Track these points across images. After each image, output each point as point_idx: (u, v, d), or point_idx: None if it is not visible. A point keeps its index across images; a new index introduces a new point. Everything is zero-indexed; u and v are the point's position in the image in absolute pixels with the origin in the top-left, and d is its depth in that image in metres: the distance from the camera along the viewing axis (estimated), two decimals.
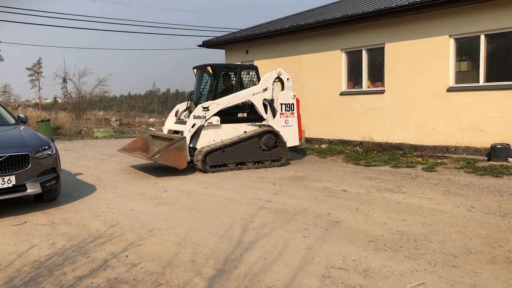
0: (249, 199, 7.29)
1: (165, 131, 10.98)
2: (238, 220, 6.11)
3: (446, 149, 10.94)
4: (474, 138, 10.40)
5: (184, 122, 10.47)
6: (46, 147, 6.98)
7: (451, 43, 10.72)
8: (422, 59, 11.22)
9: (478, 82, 10.37)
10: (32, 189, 6.59)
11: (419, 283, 4.02)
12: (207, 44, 17.72)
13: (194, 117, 10.05)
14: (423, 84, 11.24)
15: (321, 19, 13.03)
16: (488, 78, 10.26)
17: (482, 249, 4.78)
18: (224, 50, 17.61)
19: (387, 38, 11.86)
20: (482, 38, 10.22)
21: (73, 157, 13.22)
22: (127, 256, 4.80)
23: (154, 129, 25.44)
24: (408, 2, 10.74)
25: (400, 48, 11.61)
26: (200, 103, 10.29)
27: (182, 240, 5.30)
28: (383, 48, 12.07)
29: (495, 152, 9.65)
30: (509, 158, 9.61)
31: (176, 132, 10.76)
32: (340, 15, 12.50)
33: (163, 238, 5.41)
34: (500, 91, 9.92)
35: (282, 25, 14.94)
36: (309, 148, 13.47)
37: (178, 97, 77.33)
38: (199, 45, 18.11)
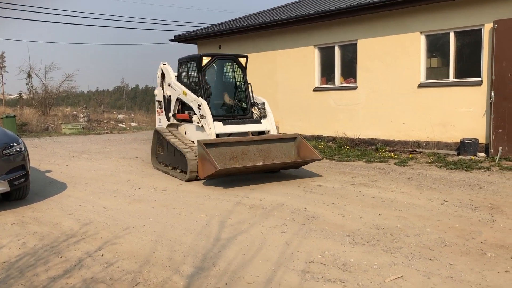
0: (225, 195, 7.23)
1: (212, 136, 8.23)
2: (215, 216, 6.05)
3: (417, 144, 11.15)
4: (444, 133, 10.63)
5: (243, 121, 8.75)
6: (14, 144, 6.73)
7: (422, 40, 10.92)
8: (394, 55, 11.38)
9: (448, 78, 10.60)
10: None
11: (397, 276, 4.06)
12: (179, 39, 17.50)
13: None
14: (395, 80, 11.41)
15: (294, 15, 13.04)
16: (457, 74, 10.51)
17: (456, 242, 4.87)
18: (196, 45, 17.43)
19: (360, 34, 11.98)
20: (452, 35, 10.44)
21: (41, 154, 12.83)
22: (102, 255, 4.67)
23: (124, 125, 24.99)
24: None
25: (373, 44, 11.74)
26: (238, 99, 9.19)
27: (159, 238, 5.20)
28: (355, 44, 12.19)
29: (464, 146, 9.89)
30: (477, 153, 9.87)
31: (241, 134, 8.63)
32: (314, 11, 12.54)
33: (139, 236, 5.30)
34: (468, 87, 10.17)
35: (255, 20, 14.88)
36: None
37: (148, 92, 76.26)
38: (171, 40, 17.85)
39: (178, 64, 9.63)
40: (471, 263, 4.33)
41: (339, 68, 12.85)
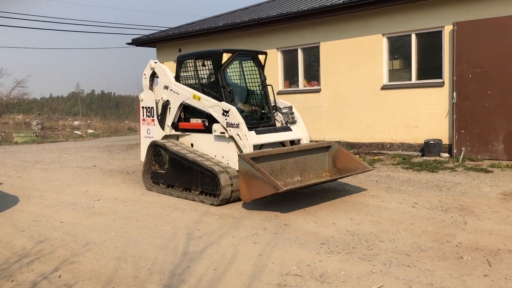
0: (192, 204, 6.90)
1: (250, 149, 6.70)
2: (182, 228, 5.72)
3: (381, 146, 11.18)
4: (408, 134, 10.71)
5: (274, 129, 7.46)
6: None
7: (384, 42, 10.98)
8: (357, 57, 11.39)
9: (411, 80, 10.70)
10: None
11: (378, 286, 3.89)
12: (137, 42, 16.98)
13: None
14: (358, 83, 11.42)
15: (256, 17, 12.87)
16: (419, 76, 10.61)
17: (432, 246, 4.77)
18: (155, 49, 16.96)
19: (323, 37, 11.93)
20: (413, 37, 10.55)
21: None
22: (60, 276, 4.27)
23: (80, 132, 24.08)
24: (343, 1, 10.84)
25: (335, 47, 11.72)
26: (257, 103, 7.73)
27: (122, 254, 4.83)
28: (318, 47, 12.14)
29: (428, 147, 9.98)
30: (441, 153, 9.97)
31: (273, 145, 7.46)
32: (276, 14, 12.41)
33: (100, 253, 4.91)
34: (431, 88, 10.28)
35: (216, 23, 14.61)
36: None
37: (104, 98, 74.33)
38: (128, 43, 17.31)
39: (178, 62, 7.98)
40: (449, 268, 4.23)
41: (302, 71, 12.77)
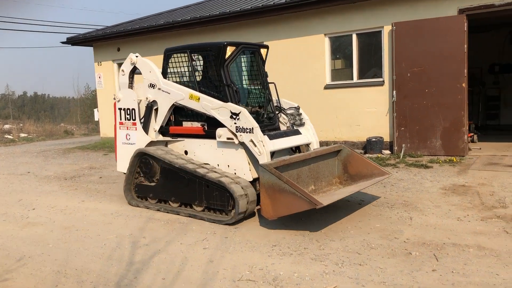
0: (136, 211, 6.59)
1: (267, 157, 5.81)
2: (126, 236, 5.44)
3: (325, 144, 11.31)
4: (351, 132, 10.92)
5: (285, 133, 6.58)
6: None
7: (327, 42, 11.12)
8: (300, 57, 11.46)
9: (352, 79, 10.91)
10: None
11: (332, 287, 3.86)
12: (73, 41, 16.19)
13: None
14: (302, 82, 11.49)
15: (198, 16, 12.63)
16: (360, 75, 10.85)
17: (381, 243, 4.82)
18: (92, 48, 16.25)
19: (266, 36, 11.90)
20: (354, 37, 10.76)
21: None
22: None
23: (11, 137, 22.65)
24: (285, 1, 10.87)
25: (279, 46, 11.72)
26: (261, 103, 6.86)
27: (62, 268, 4.50)
28: None
29: (370, 145, 10.22)
30: (383, 150, 10.25)
31: (295, 150, 6.87)
32: (218, 12, 12.24)
33: (36, 267, 4.54)
34: (371, 87, 10.54)
35: (156, 21, 14.21)
36: None
37: (37, 100, 70.63)
38: (63, 42, 16.46)
39: (166, 56, 6.84)
40: (399, 264, 4.28)
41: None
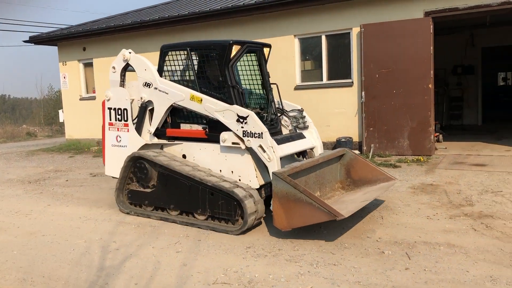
0: (105, 215, 6.43)
1: (277, 164, 5.47)
2: (96, 241, 5.28)
3: None
4: (321, 133, 10.86)
5: (291, 137, 6.18)
6: None
7: (296, 43, 11.17)
8: (270, 58, 11.36)
9: (322, 80, 11.00)
10: None
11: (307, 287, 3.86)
12: (36, 40, 15.68)
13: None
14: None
15: (166, 16, 12.46)
16: (330, 76, 10.95)
17: (354, 242, 4.86)
18: (56, 47, 15.79)
19: (236, 37, 11.84)
20: (323, 38, 10.85)
21: None
22: None
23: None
24: (255, 1, 10.86)
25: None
26: (263, 105, 6.46)
27: (28, 275, 4.32)
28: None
29: (340, 145, 10.31)
30: (352, 150, 10.35)
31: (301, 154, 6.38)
32: (187, 12, 12.11)
33: (0, 275, 4.34)
34: (341, 88, 10.65)
35: (123, 20, 13.93)
36: None
37: None
38: (25, 41, 15.91)
39: (162, 53, 6.39)
40: (373, 264, 4.32)
41: None
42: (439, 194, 6.66)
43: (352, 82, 10.47)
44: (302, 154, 6.28)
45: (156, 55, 12.10)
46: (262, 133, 5.46)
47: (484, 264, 4.16)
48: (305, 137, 6.42)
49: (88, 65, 15.07)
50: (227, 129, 5.70)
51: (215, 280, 4.07)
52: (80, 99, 15.26)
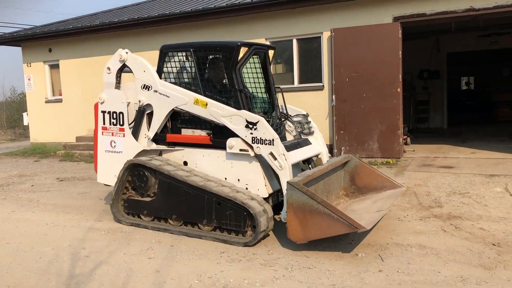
0: (73, 221, 6.24)
1: (290, 173, 5.21)
2: (65, 248, 5.12)
3: None
4: None
5: (298, 144, 5.93)
6: None
7: None
8: None
9: (293, 83, 11.05)
10: None
11: None
12: None
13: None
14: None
15: (136, 17, 12.27)
16: (301, 80, 11.01)
17: (328, 245, 4.88)
18: (20, 48, 15.30)
19: (208, 39, 11.78)
20: (295, 42, 10.91)
21: None
22: None
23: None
24: (226, 4, 10.82)
25: None
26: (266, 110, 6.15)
27: None
28: None
29: None
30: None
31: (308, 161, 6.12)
32: (157, 14, 11.96)
33: None
34: (312, 92, 10.73)
35: (91, 21, 13.63)
36: None
37: None
38: None
39: (162, 54, 6.04)
40: (347, 266, 4.35)
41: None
42: (409, 196, 6.78)
43: (323, 85, 10.57)
44: (308, 160, 6.03)
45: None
46: (273, 139, 5.18)
47: (455, 264, 4.26)
48: (311, 143, 6.21)
49: (54, 66, 14.66)
50: (233, 135, 5.40)
51: (189, 286, 4.01)
52: (46, 102, 14.82)
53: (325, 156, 6.31)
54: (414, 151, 10.65)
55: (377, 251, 4.66)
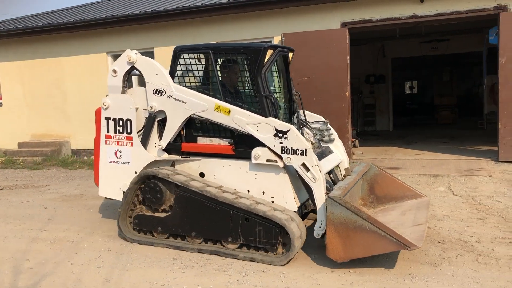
0: (16, 231, 5.91)
1: (323, 185, 4.81)
2: (6, 260, 4.84)
3: None
4: None
5: (322, 152, 5.54)
6: None
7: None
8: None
9: None
10: None
11: None
12: None
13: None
14: None
15: (82, 19, 11.88)
16: None
17: None
18: None
19: (157, 42, 11.59)
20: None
21: None
22: None
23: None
24: (176, 7, 10.71)
25: (171, 52, 11.49)
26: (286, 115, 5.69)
27: None
28: (152, 53, 11.75)
29: None
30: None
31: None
32: (104, 16, 11.63)
33: None
34: None
35: (34, 22, 13.06)
36: (77, 161, 12.12)
37: None
38: None
39: (176, 56, 5.51)
40: (301, 268, 4.39)
41: (136, 77, 12.21)
42: None
43: None
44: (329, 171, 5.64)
45: (71, 60, 11.50)
46: (306, 150, 4.77)
47: (403, 262, 4.39)
48: (333, 152, 5.85)
49: None
50: (258, 144, 4.96)
51: None
52: None
53: (346, 164, 5.99)
54: (362, 153, 10.94)
55: None
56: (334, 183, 5.44)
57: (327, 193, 4.62)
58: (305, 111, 5.98)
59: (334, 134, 6.04)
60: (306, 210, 5.49)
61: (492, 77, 12.32)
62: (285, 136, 4.84)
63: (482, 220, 5.59)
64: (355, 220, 4.28)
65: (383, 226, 4.22)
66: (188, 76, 5.53)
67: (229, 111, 5.07)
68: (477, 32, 13.46)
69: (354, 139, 11.77)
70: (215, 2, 10.49)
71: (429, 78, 22.34)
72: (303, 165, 4.75)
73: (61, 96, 12.72)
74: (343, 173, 5.87)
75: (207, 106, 5.18)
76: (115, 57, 12.26)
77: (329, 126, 6.08)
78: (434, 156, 9.87)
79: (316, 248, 4.83)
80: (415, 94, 24.72)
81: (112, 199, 5.81)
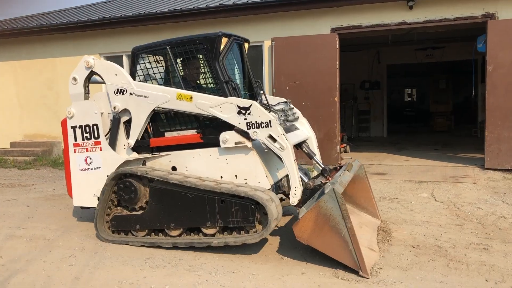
0: None
1: (292, 153, 4.95)
2: None
3: None
4: None
5: (293, 128, 5.83)
6: None
7: None
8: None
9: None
10: None
11: None
12: None
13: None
14: None
15: (76, 20, 11.96)
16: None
17: (256, 249, 4.90)
18: None
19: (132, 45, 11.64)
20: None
21: None
22: None
23: None
24: (168, 10, 10.78)
25: None
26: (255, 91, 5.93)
27: None
28: None
29: None
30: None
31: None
32: (97, 17, 11.70)
33: None
34: None
35: (28, 23, 13.13)
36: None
37: None
38: None
39: (135, 57, 5.56)
40: (271, 270, 4.39)
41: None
42: None
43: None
44: (299, 145, 5.82)
45: (64, 60, 11.52)
46: (270, 121, 4.87)
47: (374, 266, 4.38)
48: (298, 128, 6.01)
49: None
50: (225, 129, 5.08)
51: None
52: None
53: (313, 141, 6.13)
54: (351, 158, 10.92)
55: (303, 255, 4.72)
56: (309, 156, 5.78)
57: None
58: (267, 95, 6.04)
59: (298, 112, 6.19)
60: (280, 191, 5.53)
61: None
62: (248, 111, 4.90)
63: (460, 226, 5.59)
64: (338, 222, 4.33)
65: (356, 243, 4.24)
66: (149, 74, 5.61)
67: (191, 97, 5.14)
68: (471, 40, 13.49)
69: (345, 145, 11.78)
70: (206, 5, 10.56)
71: (426, 86, 22.37)
72: (270, 136, 4.85)
73: (53, 96, 12.76)
74: (315, 151, 6.04)
75: (169, 97, 5.24)
76: (108, 58, 12.31)
77: (291, 105, 6.21)
78: (422, 162, 9.87)
79: (290, 250, 4.83)
80: (414, 102, 24.74)
81: (88, 207, 5.78)
